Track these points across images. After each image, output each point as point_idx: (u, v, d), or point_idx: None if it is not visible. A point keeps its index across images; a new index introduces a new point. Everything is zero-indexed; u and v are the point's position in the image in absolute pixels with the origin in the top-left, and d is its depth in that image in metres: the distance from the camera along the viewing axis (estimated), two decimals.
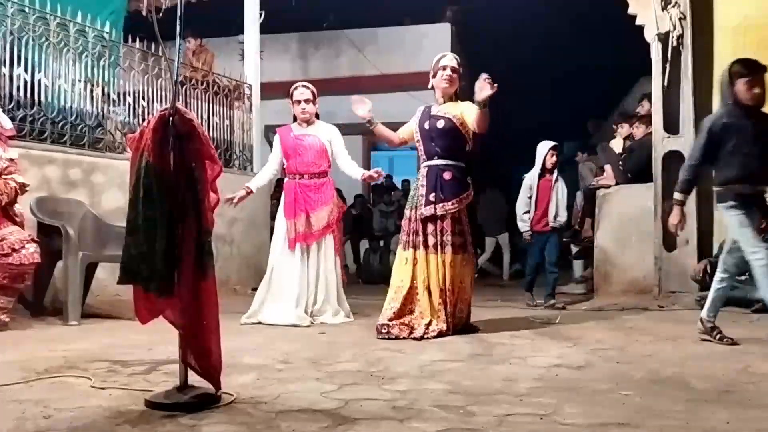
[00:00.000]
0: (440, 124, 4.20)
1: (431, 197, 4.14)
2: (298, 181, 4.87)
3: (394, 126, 4.60)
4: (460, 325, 4.16)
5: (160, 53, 6.25)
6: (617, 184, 6.71)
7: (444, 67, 4.24)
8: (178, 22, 2.24)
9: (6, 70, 5.11)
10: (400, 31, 12.38)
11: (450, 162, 4.20)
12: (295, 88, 4.96)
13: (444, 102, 4.28)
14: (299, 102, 4.93)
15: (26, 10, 5.25)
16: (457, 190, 4.17)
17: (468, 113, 4.14)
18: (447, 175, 4.17)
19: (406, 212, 4.29)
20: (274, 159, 5.06)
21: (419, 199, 4.20)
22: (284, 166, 5.05)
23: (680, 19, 6.02)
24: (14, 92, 5.15)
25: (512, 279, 10.11)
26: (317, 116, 5.08)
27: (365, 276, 9.61)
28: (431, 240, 4.12)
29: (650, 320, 4.88)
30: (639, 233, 6.10)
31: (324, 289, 4.83)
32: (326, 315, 4.79)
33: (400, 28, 12.48)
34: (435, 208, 4.12)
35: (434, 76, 4.29)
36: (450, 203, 4.13)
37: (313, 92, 4.98)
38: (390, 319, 4.03)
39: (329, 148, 4.95)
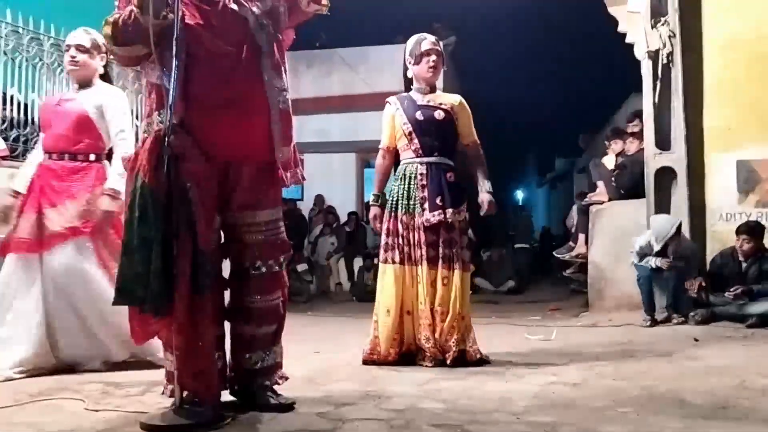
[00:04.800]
0: (438, 115, 3.69)
1: (438, 201, 3.58)
2: (43, 163, 3.50)
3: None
4: (475, 358, 3.61)
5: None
6: (610, 200, 6.73)
7: (427, 53, 3.72)
8: (174, 44, 2.25)
9: None
10: (391, 50, 12.43)
11: (450, 162, 3.71)
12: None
13: (428, 91, 3.78)
14: (68, 49, 3.56)
15: (20, 31, 5.27)
16: (463, 195, 3.68)
17: (461, 116, 3.77)
18: (451, 177, 3.66)
19: (397, 215, 3.66)
20: (40, 140, 3.65)
21: (418, 202, 3.62)
22: None
23: (670, 36, 6.09)
24: (8, 112, 5.15)
25: (507, 294, 10.12)
26: (107, 79, 3.69)
27: (359, 294, 9.58)
28: (432, 252, 3.57)
29: (645, 336, 4.88)
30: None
31: (79, 324, 3.37)
32: (93, 362, 3.39)
33: (392, 46, 12.55)
34: (445, 214, 3.57)
35: (416, 63, 3.76)
36: (458, 210, 3.61)
37: (93, 40, 3.52)
38: (395, 353, 3.60)
39: (98, 119, 3.50)
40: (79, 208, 3.36)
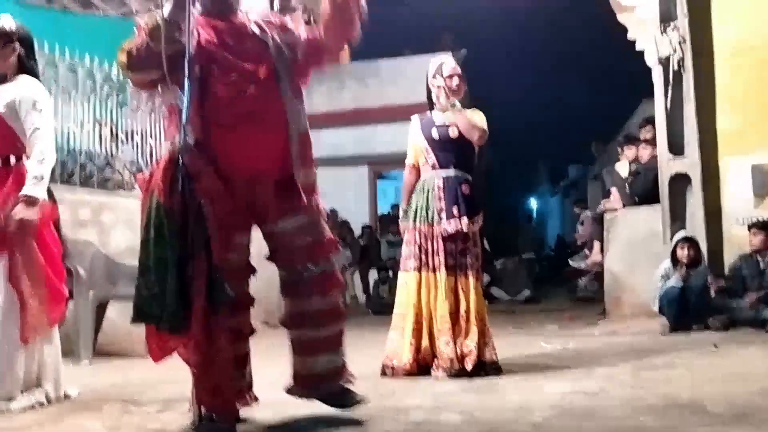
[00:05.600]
0: (453, 132, 3.85)
1: (454, 211, 3.73)
2: None
3: (400, 155, 4.45)
4: (492, 360, 3.70)
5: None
6: (624, 207, 6.70)
7: (450, 77, 3.90)
8: (186, 65, 2.28)
9: None
10: (401, 62, 12.52)
11: (466, 175, 3.86)
12: None
13: (446, 110, 3.91)
14: None
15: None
16: (477, 206, 3.84)
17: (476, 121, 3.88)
18: (465, 189, 3.81)
19: (416, 225, 3.82)
20: None
21: (436, 212, 3.78)
22: None
23: (680, 42, 6.07)
24: None
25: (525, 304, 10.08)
26: (29, 71, 3.21)
27: (374, 307, 9.57)
28: (451, 261, 3.71)
29: (663, 343, 4.83)
30: (648, 256, 6.07)
31: None
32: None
33: (402, 59, 12.63)
34: (460, 224, 3.72)
35: (438, 86, 3.94)
36: (472, 221, 3.76)
37: (3, 31, 3.12)
38: (411, 359, 3.65)
39: (12, 116, 3.08)
40: None
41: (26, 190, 2.96)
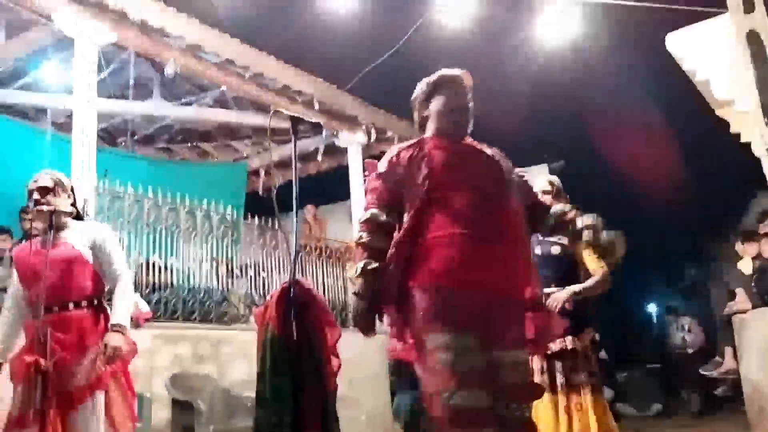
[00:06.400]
0: (555, 250, 3.90)
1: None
2: (41, 319, 2.98)
3: None
4: None
5: (277, 226, 6.72)
6: (754, 307, 6.23)
7: (542, 192, 3.94)
8: (294, 203, 2.44)
9: (143, 258, 5.66)
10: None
11: None
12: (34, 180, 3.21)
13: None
14: (31, 194, 3.15)
15: (159, 203, 5.89)
16: (584, 321, 3.79)
17: (583, 249, 3.87)
18: (568, 305, 3.76)
19: None
20: (11, 297, 3.20)
21: None
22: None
23: None
24: (151, 278, 5.64)
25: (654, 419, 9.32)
26: (78, 216, 3.30)
27: None
28: (560, 379, 3.63)
29: None
30: None
31: None
32: None
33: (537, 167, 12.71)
34: (565, 342, 3.66)
35: None
36: (578, 336, 3.71)
37: (58, 180, 3.19)
38: None
39: (93, 260, 3.16)
40: (92, 361, 3.01)
41: (116, 320, 3.07)
